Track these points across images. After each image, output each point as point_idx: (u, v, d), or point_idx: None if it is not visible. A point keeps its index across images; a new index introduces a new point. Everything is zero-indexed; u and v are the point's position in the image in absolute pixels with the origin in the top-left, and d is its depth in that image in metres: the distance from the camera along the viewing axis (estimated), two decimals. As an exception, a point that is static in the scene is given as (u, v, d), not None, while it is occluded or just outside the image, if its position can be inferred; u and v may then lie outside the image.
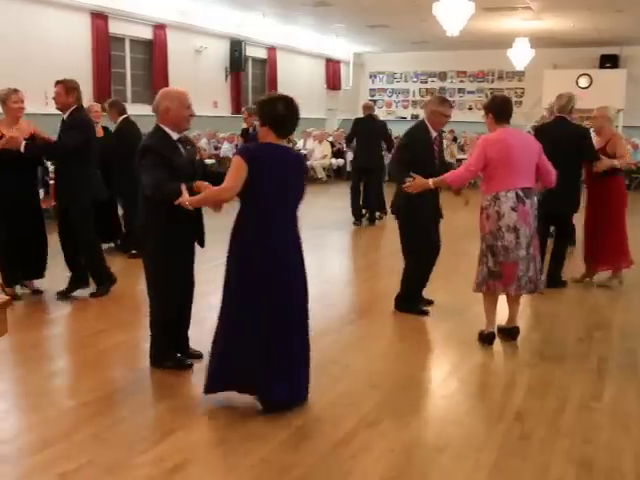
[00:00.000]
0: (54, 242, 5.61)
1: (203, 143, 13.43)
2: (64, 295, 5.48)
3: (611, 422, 3.50)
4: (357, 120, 9.96)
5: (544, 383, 4.00)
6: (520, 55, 14.71)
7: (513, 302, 4.63)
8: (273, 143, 3.41)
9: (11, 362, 4.27)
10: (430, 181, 4.64)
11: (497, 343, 4.65)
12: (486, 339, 4.58)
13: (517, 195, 4.37)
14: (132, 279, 6.04)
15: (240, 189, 3.34)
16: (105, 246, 6.69)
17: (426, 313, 5.26)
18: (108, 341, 4.59)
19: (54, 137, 5.40)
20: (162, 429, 3.31)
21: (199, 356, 4.10)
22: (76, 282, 5.52)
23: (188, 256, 3.99)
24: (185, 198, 3.51)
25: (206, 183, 3.62)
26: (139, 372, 4.08)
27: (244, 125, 9.65)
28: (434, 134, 5.05)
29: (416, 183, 4.68)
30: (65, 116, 5.24)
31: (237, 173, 3.31)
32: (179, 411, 3.53)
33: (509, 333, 4.69)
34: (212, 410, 3.56)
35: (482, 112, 4.79)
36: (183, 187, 3.53)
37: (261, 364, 3.40)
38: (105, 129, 7.28)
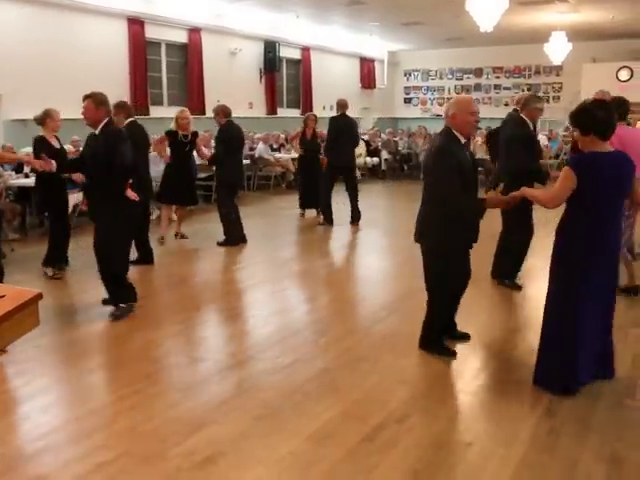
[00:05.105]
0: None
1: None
2: None
3: (644, 419, 3.45)
4: (333, 118, 9.43)
5: (576, 380, 3.96)
6: (557, 49, 14.46)
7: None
8: (600, 152, 3.53)
9: (50, 359, 4.41)
10: None
11: (529, 340, 4.61)
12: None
13: None
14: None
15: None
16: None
17: None
18: (142, 339, 4.71)
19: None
20: (194, 423, 3.40)
21: (466, 336, 4.63)
22: None
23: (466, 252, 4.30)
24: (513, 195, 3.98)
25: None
26: (171, 369, 4.20)
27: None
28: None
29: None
30: (97, 131, 4.92)
31: (565, 183, 3.52)
32: (210, 406, 3.62)
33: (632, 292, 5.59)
34: (242, 405, 3.63)
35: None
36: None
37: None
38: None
